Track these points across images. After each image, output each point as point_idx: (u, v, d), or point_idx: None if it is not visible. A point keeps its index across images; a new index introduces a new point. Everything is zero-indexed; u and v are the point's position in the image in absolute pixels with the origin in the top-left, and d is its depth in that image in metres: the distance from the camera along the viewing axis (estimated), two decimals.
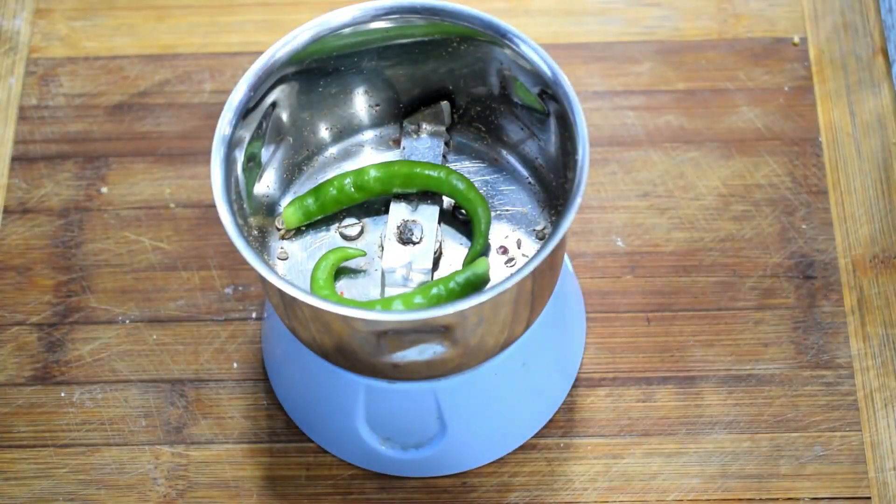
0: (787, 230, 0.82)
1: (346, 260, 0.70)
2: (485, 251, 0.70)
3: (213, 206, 0.84)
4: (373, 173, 0.70)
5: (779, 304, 0.80)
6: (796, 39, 0.89)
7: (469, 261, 0.70)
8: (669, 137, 0.86)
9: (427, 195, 0.71)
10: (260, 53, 0.69)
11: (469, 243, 0.71)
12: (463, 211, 0.72)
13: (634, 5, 0.91)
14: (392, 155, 0.74)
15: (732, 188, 0.84)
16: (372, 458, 0.74)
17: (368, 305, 0.67)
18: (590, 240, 0.82)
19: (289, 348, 0.74)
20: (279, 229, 0.72)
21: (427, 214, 0.71)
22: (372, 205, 0.72)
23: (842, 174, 0.84)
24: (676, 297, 0.80)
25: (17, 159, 0.86)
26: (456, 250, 0.71)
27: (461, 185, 0.70)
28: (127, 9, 0.92)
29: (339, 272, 0.70)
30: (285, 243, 0.71)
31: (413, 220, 0.70)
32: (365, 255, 0.70)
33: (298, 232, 0.72)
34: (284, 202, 0.72)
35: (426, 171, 0.70)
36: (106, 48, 0.90)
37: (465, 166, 0.73)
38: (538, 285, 0.66)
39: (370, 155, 0.74)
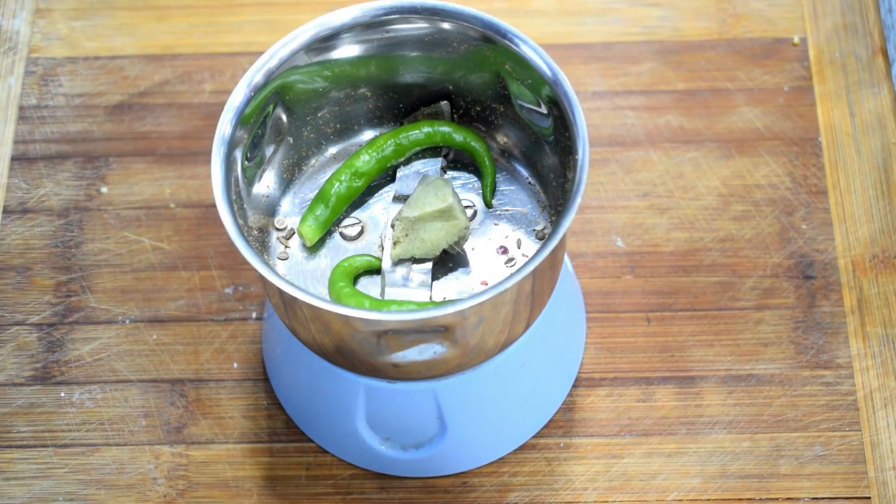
0: (787, 230, 0.82)
1: (368, 268, 0.70)
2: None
3: (214, 206, 0.84)
4: (364, 157, 0.71)
5: (779, 304, 0.80)
6: (796, 39, 0.89)
7: (485, 191, 0.72)
8: (669, 137, 0.86)
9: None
10: (260, 53, 0.69)
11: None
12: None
13: (634, 5, 0.91)
14: None
15: (732, 188, 0.84)
16: (372, 458, 0.74)
17: (373, 305, 0.67)
18: (590, 240, 0.82)
19: (289, 348, 0.74)
20: (279, 229, 0.72)
21: None
22: (371, 205, 0.72)
23: (841, 174, 0.84)
24: (676, 297, 0.80)
25: (16, 159, 0.86)
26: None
27: (447, 129, 0.71)
28: (127, 9, 0.92)
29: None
30: (285, 244, 0.71)
31: None
32: (380, 262, 0.70)
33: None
34: (284, 202, 0.72)
35: (410, 134, 0.71)
36: (106, 48, 0.90)
37: (466, 166, 0.73)
38: (538, 285, 0.66)
39: None
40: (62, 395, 0.78)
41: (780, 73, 0.88)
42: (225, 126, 0.66)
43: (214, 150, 0.66)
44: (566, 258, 0.76)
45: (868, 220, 0.82)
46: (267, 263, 0.64)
